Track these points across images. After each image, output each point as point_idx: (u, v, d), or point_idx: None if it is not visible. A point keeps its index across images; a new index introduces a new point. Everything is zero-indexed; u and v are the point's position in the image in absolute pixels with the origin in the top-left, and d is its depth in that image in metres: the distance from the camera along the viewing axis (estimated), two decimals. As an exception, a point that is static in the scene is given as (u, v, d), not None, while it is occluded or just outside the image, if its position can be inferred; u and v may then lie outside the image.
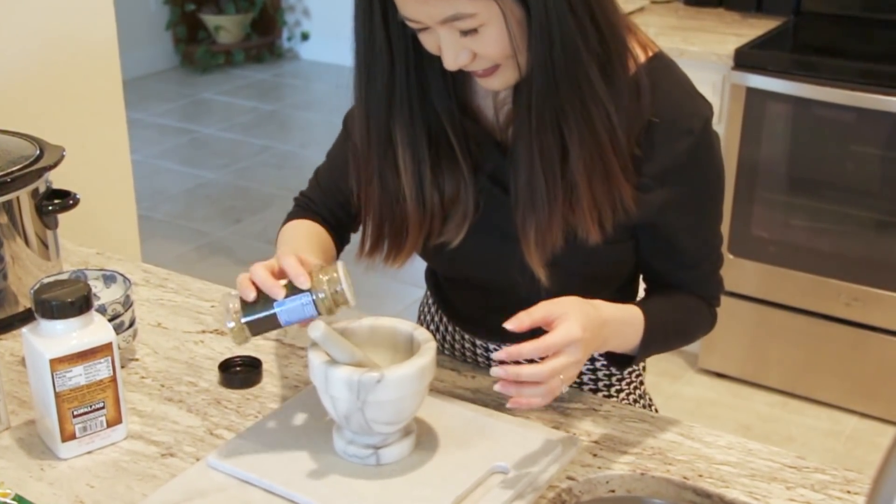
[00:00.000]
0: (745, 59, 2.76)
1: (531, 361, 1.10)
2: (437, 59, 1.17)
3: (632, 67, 1.19)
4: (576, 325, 1.10)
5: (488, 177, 1.27)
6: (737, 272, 2.91)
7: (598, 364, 1.41)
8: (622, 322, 1.22)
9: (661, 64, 1.23)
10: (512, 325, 1.09)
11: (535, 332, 1.11)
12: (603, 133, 1.15)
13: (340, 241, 1.43)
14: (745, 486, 1.15)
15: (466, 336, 1.44)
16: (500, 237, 1.26)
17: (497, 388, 1.10)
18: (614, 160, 1.17)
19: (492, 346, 1.41)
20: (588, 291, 1.19)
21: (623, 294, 1.35)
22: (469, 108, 1.28)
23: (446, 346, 1.48)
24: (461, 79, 1.24)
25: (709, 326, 1.36)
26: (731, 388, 3.05)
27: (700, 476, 1.16)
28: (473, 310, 1.41)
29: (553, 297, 1.14)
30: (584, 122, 1.15)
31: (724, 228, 2.90)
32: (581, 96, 1.14)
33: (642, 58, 1.21)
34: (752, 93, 2.77)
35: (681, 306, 1.31)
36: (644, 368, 1.50)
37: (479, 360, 1.43)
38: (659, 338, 1.26)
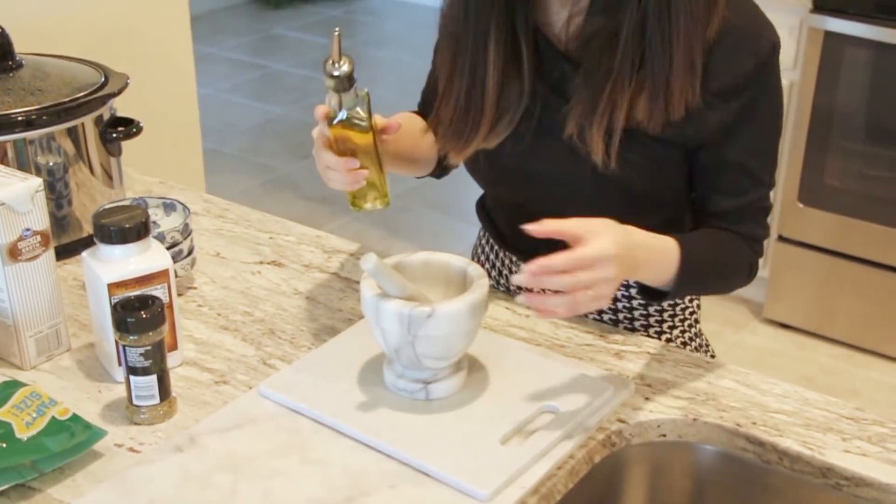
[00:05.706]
0: (825, 1, 2.67)
1: None
2: None
3: None
4: (608, 241, 1.07)
5: (551, 85, 1.28)
6: (806, 222, 2.84)
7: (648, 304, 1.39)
8: (656, 250, 1.19)
9: None
10: (534, 227, 1.07)
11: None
12: (681, 21, 1.17)
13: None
14: (800, 435, 1.13)
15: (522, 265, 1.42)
16: (553, 139, 1.28)
17: (520, 299, 1.08)
18: (688, 51, 1.18)
19: None
20: (634, 215, 1.18)
21: (671, 229, 1.32)
22: (540, 23, 1.29)
23: (502, 282, 1.47)
24: None
25: (747, 273, 1.33)
26: (795, 339, 3.00)
27: (753, 423, 1.14)
28: (522, 234, 1.40)
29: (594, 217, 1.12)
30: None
31: (794, 177, 2.88)
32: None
33: None
34: (830, 37, 2.69)
35: (721, 245, 1.29)
36: (698, 307, 1.48)
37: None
38: (695, 274, 1.23)
